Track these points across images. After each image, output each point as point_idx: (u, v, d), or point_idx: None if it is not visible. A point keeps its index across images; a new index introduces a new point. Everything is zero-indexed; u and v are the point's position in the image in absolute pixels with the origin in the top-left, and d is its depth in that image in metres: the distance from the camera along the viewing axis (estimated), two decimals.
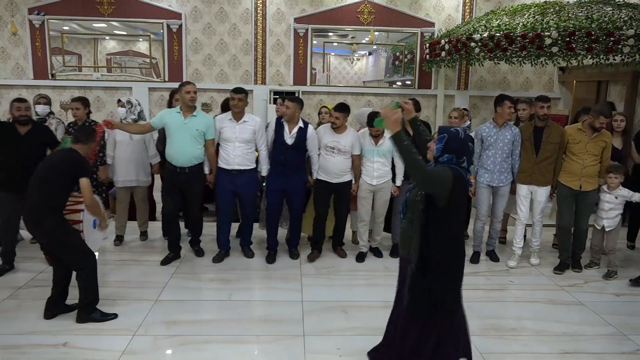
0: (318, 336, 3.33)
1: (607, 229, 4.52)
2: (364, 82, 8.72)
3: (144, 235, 5.22)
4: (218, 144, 4.60)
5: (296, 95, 7.79)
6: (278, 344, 3.24)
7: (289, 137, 4.50)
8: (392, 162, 4.67)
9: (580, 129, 4.48)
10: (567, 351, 3.24)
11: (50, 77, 7.91)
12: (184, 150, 4.41)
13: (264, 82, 8.16)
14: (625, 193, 4.43)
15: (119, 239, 5.07)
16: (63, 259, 3.46)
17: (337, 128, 4.58)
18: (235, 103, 4.46)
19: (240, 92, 4.47)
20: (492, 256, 4.88)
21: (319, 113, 5.42)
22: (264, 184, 4.78)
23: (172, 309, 3.68)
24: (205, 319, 3.54)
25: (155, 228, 5.37)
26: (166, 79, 8.00)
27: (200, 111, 4.58)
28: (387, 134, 4.69)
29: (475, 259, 4.83)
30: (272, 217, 4.71)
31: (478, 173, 4.76)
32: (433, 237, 2.42)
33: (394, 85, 8.71)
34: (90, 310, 3.45)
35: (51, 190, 3.33)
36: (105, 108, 8.03)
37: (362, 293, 4.05)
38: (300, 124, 4.54)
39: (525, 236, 5.09)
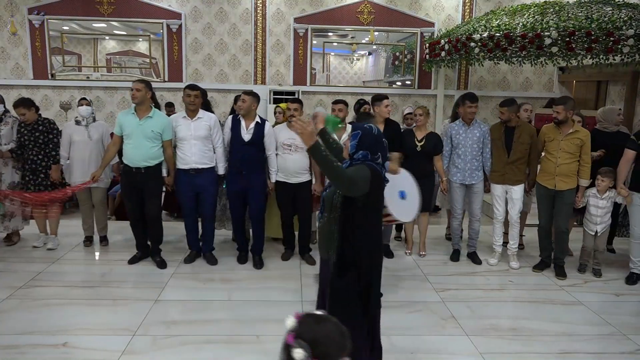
0: None
1: (599, 233, 4.49)
2: (363, 82, 8.72)
3: (104, 240, 5.03)
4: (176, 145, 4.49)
5: (296, 95, 7.80)
6: (278, 344, 3.22)
7: (246, 134, 4.38)
8: None
9: (555, 127, 4.44)
10: (567, 351, 3.24)
11: (50, 77, 7.90)
12: (139, 151, 4.28)
13: (263, 82, 8.16)
14: (612, 194, 4.41)
15: (89, 240, 5.00)
16: None
17: None
18: (192, 100, 4.33)
19: (196, 89, 4.37)
20: (474, 258, 4.82)
21: (274, 113, 5.34)
22: (224, 187, 4.67)
23: (172, 309, 3.68)
24: (205, 319, 3.54)
25: None
26: (166, 79, 7.99)
27: (156, 111, 4.41)
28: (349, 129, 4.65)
29: (455, 257, 4.84)
30: (236, 219, 4.61)
31: (450, 172, 4.76)
32: (352, 235, 2.39)
33: (394, 85, 8.71)
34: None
35: None
36: (105, 108, 8.03)
37: None
38: (257, 119, 4.43)
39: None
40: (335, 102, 4.75)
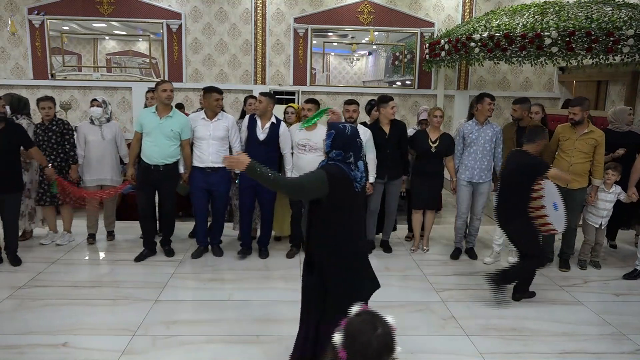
0: None
1: (603, 226, 4.60)
2: (363, 82, 8.72)
3: (110, 235, 5.15)
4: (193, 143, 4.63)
5: (296, 95, 7.81)
6: (278, 344, 3.23)
7: (261, 133, 4.51)
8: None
9: (570, 126, 4.48)
10: (567, 351, 3.24)
11: (50, 77, 7.91)
12: (158, 149, 4.44)
13: (263, 82, 8.16)
14: (617, 189, 4.50)
15: (92, 237, 5.04)
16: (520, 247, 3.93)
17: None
18: (218, 103, 4.52)
19: (222, 92, 4.56)
20: (471, 254, 4.92)
21: (285, 113, 5.36)
22: (237, 181, 4.75)
23: (172, 309, 3.68)
24: (205, 319, 3.54)
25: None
26: (166, 79, 7.98)
27: (176, 111, 4.59)
28: (360, 127, 4.58)
29: (455, 255, 4.90)
30: (244, 215, 4.72)
31: (459, 170, 4.79)
32: (317, 233, 2.50)
33: (394, 85, 8.71)
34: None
35: (514, 193, 3.81)
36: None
37: None
38: (273, 119, 4.55)
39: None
40: (349, 103, 4.68)
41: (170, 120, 4.46)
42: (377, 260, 4.79)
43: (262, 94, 4.58)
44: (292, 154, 4.62)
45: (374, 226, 5.03)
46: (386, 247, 5.05)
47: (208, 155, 4.51)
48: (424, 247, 5.07)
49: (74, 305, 3.68)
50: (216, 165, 4.51)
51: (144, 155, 4.50)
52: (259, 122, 4.55)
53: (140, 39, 8.27)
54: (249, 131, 4.58)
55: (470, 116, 5.15)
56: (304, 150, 4.55)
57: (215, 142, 4.51)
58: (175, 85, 7.82)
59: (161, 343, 3.21)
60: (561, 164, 4.48)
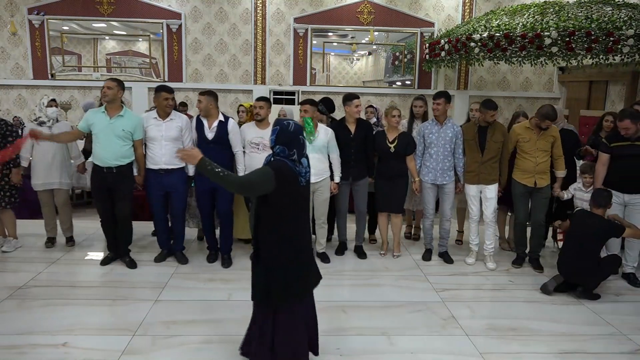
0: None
1: None
2: (363, 82, 8.73)
3: (70, 241, 4.93)
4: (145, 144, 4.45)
5: (296, 95, 7.81)
6: None
7: (209, 132, 4.37)
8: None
9: (528, 127, 4.49)
10: (567, 351, 3.24)
11: (50, 77, 7.91)
12: (110, 150, 4.24)
13: (263, 82, 8.17)
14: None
15: (51, 241, 4.91)
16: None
17: (261, 122, 4.46)
18: (168, 103, 4.34)
19: (172, 92, 4.39)
20: (446, 258, 4.79)
21: (237, 112, 5.26)
22: (192, 185, 4.63)
23: (172, 309, 3.68)
24: (205, 319, 3.54)
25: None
26: (166, 79, 8.00)
27: (127, 110, 4.39)
28: (321, 126, 4.54)
29: (426, 256, 4.84)
30: (206, 219, 4.59)
31: (422, 172, 4.72)
32: (264, 227, 2.60)
33: (394, 85, 8.71)
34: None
35: (592, 252, 3.98)
36: None
37: (362, 293, 4.06)
38: (221, 117, 4.42)
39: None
40: (302, 103, 4.56)
41: (121, 120, 4.26)
42: (376, 260, 4.79)
43: (201, 93, 4.43)
44: (245, 153, 4.49)
45: (344, 227, 4.91)
46: (360, 253, 4.83)
47: (161, 157, 4.34)
48: (395, 253, 4.88)
49: (74, 305, 3.68)
50: (170, 167, 4.37)
51: (96, 158, 4.29)
52: (205, 122, 4.41)
53: (140, 39, 8.28)
54: (197, 132, 4.43)
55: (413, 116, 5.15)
56: (257, 149, 4.43)
57: (167, 143, 4.33)
58: (175, 85, 7.90)
59: (161, 343, 3.21)
60: (526, 165, 4.48)
